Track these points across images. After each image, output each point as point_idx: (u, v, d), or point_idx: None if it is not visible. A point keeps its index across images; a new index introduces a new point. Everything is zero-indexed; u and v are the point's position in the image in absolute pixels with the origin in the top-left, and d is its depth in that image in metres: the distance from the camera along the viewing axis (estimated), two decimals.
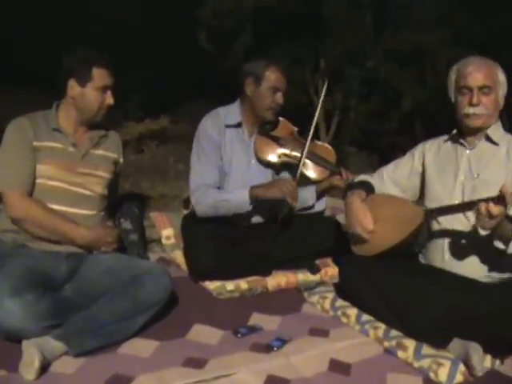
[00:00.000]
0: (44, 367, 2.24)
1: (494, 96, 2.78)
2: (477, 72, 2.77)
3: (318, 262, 3.50)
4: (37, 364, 2.18)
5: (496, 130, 2.85)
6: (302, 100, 8.27)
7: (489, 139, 2.84)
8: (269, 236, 3.34)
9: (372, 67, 8.34)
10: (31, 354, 2.20)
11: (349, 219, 3.04)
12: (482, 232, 2.56)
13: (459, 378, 2.38)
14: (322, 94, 3.63)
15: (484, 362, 2.45)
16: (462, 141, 2.90)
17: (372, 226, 2.95)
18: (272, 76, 3.34)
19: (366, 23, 8.40)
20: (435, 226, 2.90)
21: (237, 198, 3.29)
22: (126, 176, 5.94)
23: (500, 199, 2.37)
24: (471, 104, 2.76)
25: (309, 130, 3.39)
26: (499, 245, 2.59)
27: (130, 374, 2.25)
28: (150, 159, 7.53)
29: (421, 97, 7.82)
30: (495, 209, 2.37)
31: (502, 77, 2.81)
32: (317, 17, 8.25)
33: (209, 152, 3.39)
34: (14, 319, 2.32)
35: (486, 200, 2.42)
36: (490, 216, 2.40)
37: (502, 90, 2.82)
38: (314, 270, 3.41)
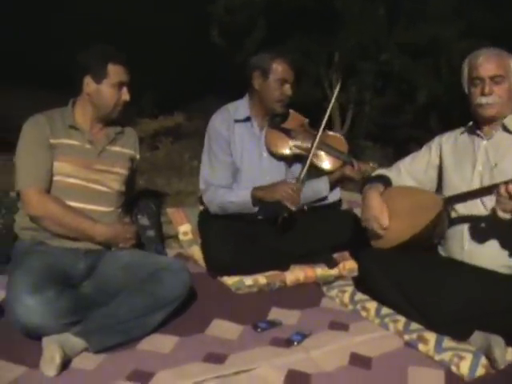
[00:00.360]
0: (64, 364, 2.24)
1: (506, 85, 2.77)
2: (487, 62, 2.77)
3: (335, 255, 3.48)
4: (58, 360, 2.18)
5: None
6: (316, 95, 8.24)
7: (506, 129, 2.82)
8: (278, 230, 3.32)
9: (386, 61, 8.30)
10: (52, 351, 2.21)
11: (365, 214, 3.03)
12: (503, 216, 2.53)
13: (481, 370, 2.36)
14: (336, 91, 3.59)
15: (506, 355, 2.43)
16: (478, 132, 2.89)
17: (387, 222, 2.94)
18: (279, 68, 3.33)
19: (379, 16, 8.35)
20: (453, 215, 2.88)
21: (240, 200, 3.30)
22: (141, 173, 5.95)
23: None
24: (483, 94, 2.76)
25: (321, 122, 3.37)
26: None
27: (151, 370, 2.25)
28: (165, 156, 7.54)
29: (436, 90, 7.77)
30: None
31: None
32: (330, 10, 8.22)
33: (218, 151, 3.40)
34: (34, 316, 2.32)
35: (506, 182, 2.41)
36: (511, 197, 2.38)
37: None
38: (332, 263, 3.39)
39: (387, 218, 2.94)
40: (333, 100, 3.48)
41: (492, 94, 2.76)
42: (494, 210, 2.52)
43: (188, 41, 11.09)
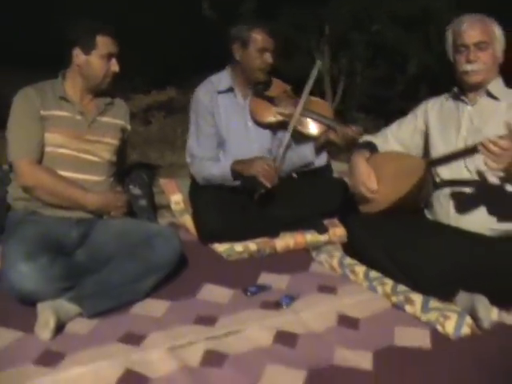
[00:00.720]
0: (59, 328, 2.30)
1: (490, 51, 2.79)
2: (471, 29, 2.78)
3: (325, 222, 3.53)
4: (52, 324, 2.24)
5: (496, 85, 2.86)
6: (308, 67, 8.24)
7: (490, 94, 2.85)
8: (257, 205, 3.37)
9: (377, 31, 8.29)
10: (46, 316, 2.27)
11: (353, 180, 3.08)
12: (491, 179, 2.57)
13: (466, 330, 2.42)
14: (315, 70, 3.53)
15: (491, 315, 2.49)
16: (463, 97, 2.92)
17: (375, 185, 2.99)
18: (258, 37, 3.36)
19: None
20: (438, 180, 2.93)
21: (221, 173, 3.37)
22: (134, 147, 5.99)
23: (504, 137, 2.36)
24: (468, 61, 2.78)
25: (304, 88, 3.44)
26: (510, 187, 2.61)
27: (143, 332, 2.32)
28: (158, 130, 7.56)
29: (426, 60, 7.79)
30: (504, 142, 2.34)
31: (498, 31, 2.81)
32: None
33: (202, 123, 3.46)
34: (28, 282, 2.38)
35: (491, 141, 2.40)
36: (502, 150, 2.35)
37: (500, 45, 2.82)
38: (322, 229, 3.44)
39: (375, 182, 2.99)
40: (316, 66, 3.49)
41: (477, 61, 2.78)
42: (480, 176, 2.58)
43: (181, 16, 11.04)
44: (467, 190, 2.81)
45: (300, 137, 3.53)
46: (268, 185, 3.20)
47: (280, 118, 3.48)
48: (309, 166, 3.55)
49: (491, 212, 2.76)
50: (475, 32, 2.78)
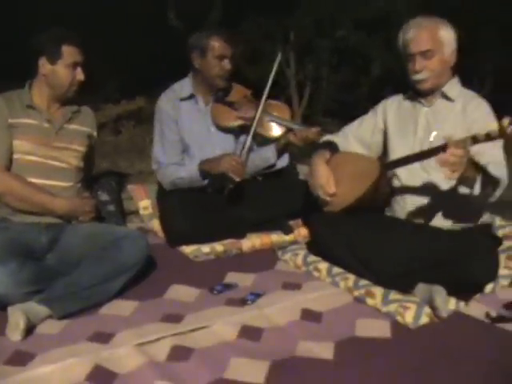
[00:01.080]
0: (30, 330, 2.36)
1: (438, 57, 2.84)
2: (417, 37, 2.84)
3: (291, 222, 3.61)
4: (22, 325, 2.31)
5: (452, 87, 2.94)
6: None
7: (445, 96, 2.94)
8: (227, 201, 3.45)
9: (342, 37, 8.46)
10: (16, 317, 2.32)
11: (312, 182, 3.14)
12: (444, 186, 2.68)
13: (425, 319, 2.52)
14: (274, 67, 3.59)
15: (449, 305, 2.61)
16: (420, 99, 3.01)
17: (333, 189, 3.06)
18: (215, 45, 3.43)
19: None
20: (396, 183, 3.03)
21: (189, 174, 3.45)
22: (105, 156, 6.04)
23: (444, 148, 2.46)
24: (415, 71, 2.85)
25: (263, 93, 3.52)
26: (464, 190, 2.66)
27: (112, 331, 2.38)
28: (128, 139, 7.61)
29: (389, 62, 7.98)
30: (458, 151, 2.41)
31: (446, 35, 2.85)
32: None
33: (166, 130, 3.55)
34: None
35: (437, 149, 2.54)
36: (456, 158, 2.43)
37: (449, 48, 2.87)
38: (287, 230, 3.53)
39: (333, 185, 3.06)
40: (274, 68, 3.55)
41: (423, 70, 2.85)
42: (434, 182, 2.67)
43: (149, 26, 11.12)
44: (423, 195, 2.92)
45: (261, 139, 3.62)
46: (237, 178, 3.28)
47: (241, 122, 3.56)
48: (271, 167, 3.63)
49: (447, 214, 2.88)
50: (420, 41, 2.83)
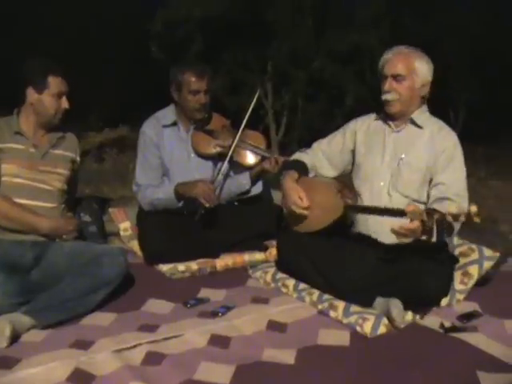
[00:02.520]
0: (15, 338, 2.55)
1: (407, 83, 3.02)
2: (392, 61, 3.04)
3: (266, 242, 3.81)
4: (7, 333, 2.50)
5: (421, 115, 3.11)
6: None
7: (414, 123, 3.11)
8: (198, 224, 3.60)
9: (317, 68, 8.72)
10: (2, 325, 2.52)
11: (284, 199, 3.30)
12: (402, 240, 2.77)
13: (382, 329, 2.75)
14: (253, 100, 3.79)
15: (406, 317, 2.84)
16: (389, 122, 3.16)
17: (306, 204, 3.18)
18: (189, 80, 3.62)
19: (308, 26, 8.77)
20: (359, 203, 3.20)
21: (166, 195, 3.64)
22: (88, 182, 6.23)
23: (402, 214, 2.67)
24: (384, 90, 3.05)
25: (241, 123, 3.73)
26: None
27: (91, 339, 2.58)
28: (111, 166, 7.81)
29: (361, 93, 8.25)
30: (410, 225, 2.62)
31: (420, 66, 3.03)
32: (261, 23, 8.61)
33: (148, 154, 3.76)
34: None
35: (396, 212, 2.74)
36: (403, 235, 2.66)
37: (420, 78, 3.04)
38: (262, 248, 3.75)
39: (305, 200, 3.18)
40: (253, 102, 3.75)
41: (391, 92, 3.03)
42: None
43: (131, 57, 11.38)
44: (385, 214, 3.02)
45: (238, 167, 3.83)
46: (207, 205, 3.47)
47: (219, 149, 3.76)
48: (246, 193, 3.84)
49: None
50: (394, 64, 3.03)
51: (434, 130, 3.09)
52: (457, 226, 2.74)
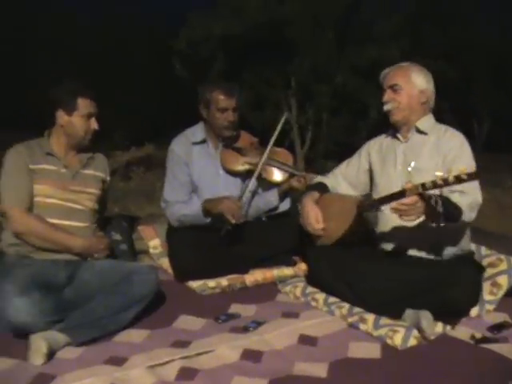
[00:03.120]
0: (50, 355, 2.60)
1: (404, 91, 3.17)
2: (389, 74, 3.23)
3: (295, 257, 3.84)
4: (44, 350, 2.55)
5: (425, 122, 3.23)
6: (277, 118, 8.67)
7: (419, 131, 3.23)
8: (223, 240, 3.62)
9: (340, 82, 8.76)
10: (39, 343, 2.57)
11: (302, 220, 3.43)
12: (407, 220, 2.86)
13: (413, 341, 2.75)
14: (281, 122, 3.90)
15: (435, 328, 2.84)
16: (398, 135, 3.30)
17: (321, 226, 3.34)
18: (217, 97, 3.68)
19: (329, 41, 8.82)
20: (375, 220, 3.31)
21: (193, 212, 3.69)
22: (116, 201, 6.31)
23: (402, 193, 2.77)
24: (383, 101, 3.21)
25: (269, 140, 3.80)
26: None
27: (125, 355, 2.63)
28: (138, 185, 7.89)
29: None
30: (406, 200, 2.73)
31: (416, 76, 3.19)
32: (283, 39, 8.68)
33: (177, 171, 3.81)
34: (21, 315, 2.69)
35: (397, 194, 2.83)
36: (407, 206, 2.74)
37: (417, 86, 3.18)
38: (291, 262, 3.77)
39: (321, 222, 3.34)
40: (278, 127, 3.84)
41: (391, 101, 3.19)
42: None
43: (156, 76, 11.50)
44: (399, 231, 3.17)
45: (266, 184, 3.89)
46: (233, 221, 3.49)
47: (247, 166, 3.82)
48: (274, 210, 3.90)
49: (425, 246, 3.12)
50: (391, 76, 3.22)
51: (440, 134, 3.20)
52: (466, 210, 2.84)
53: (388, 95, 3.21)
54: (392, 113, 3.21)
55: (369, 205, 3.22)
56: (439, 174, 2.67)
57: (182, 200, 3.78)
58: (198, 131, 3.87)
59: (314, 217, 3.35)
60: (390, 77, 3.22)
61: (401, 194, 2.79)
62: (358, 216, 3.26)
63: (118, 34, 13.40)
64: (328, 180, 3.56)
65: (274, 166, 3.85)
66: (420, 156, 3.18)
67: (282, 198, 3.88)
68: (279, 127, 3.83)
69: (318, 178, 3.63)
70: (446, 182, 2.64)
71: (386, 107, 3.21)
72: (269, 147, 3.77)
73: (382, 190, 3.27)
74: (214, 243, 3.65)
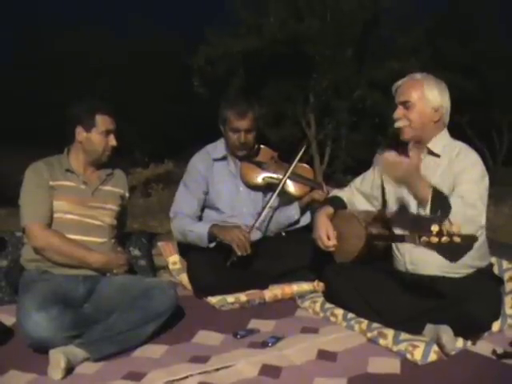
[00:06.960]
0: (69, 370, 2.61)
1: (416, 110, 3.02)
2: (401, 88, 3.09)
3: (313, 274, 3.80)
4: (63, 365, 2.55)
5: (437, 143, 3.10)
6: (296, 134, 8.73)
7: (430, 152, 3.11)
8: (229, 268, 3.58)
9: (358, 98, 8.75)
10: (57, 358, 2.58)
11: (314, 234, 3.36)
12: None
13: (433, 356, 2.72)
14: (299, 155, 3.85)
15: (456, 343, 2.80)
16: (411, 154, 3.16)
17: (331, 243, 3.26)
18: (230, 117, 3.70)
19: (348, 57, 8.83)
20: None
21: (198, 231, 3.65)
22: (135, 217, 6.34)
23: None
24: (394, 119, 3.08)
25: (294, 157, 3.79)
26: None
27: (144, 371, 2.62)
28: (157, 201, 7.92)
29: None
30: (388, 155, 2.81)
31: (429, 92, 3.02)
32: (302, 55, 8.70)
33: (192, 185, 3.83)
34: (40, 330, 2.70)
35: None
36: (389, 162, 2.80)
37: (431, 104, 3.02)
38: (310, 278, 3.75)
39: (332, 239, 3.26)
40: (303, 147, 3.85)
41: (401, 119, 3.06)
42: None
43: (174, 93, 11.57)
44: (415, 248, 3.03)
45: (286, 198, 3.88)
46: (239, 253, 3.48)
47: (268, 180, 3.83)
48: (295, 224, 3.91)
49: (442, 264, 3.00)
50: (403, 91, 3.07)
51: (452, 156, 3.07)
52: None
53: (399, 112, 3.07)
54: (402, 131, 3.09)
55: (379, 238, 3.22)
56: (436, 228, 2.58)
57: (192, 213, 3.79)
58: (218, 147, 3.89)
59: (325, 232, 3.27)
60: (402, 92, 3.08)
61: (400, 238, 2.86)
62: (365, 245, 3.19)
63: (140, 51, 13.53)
64: (344, 194, 3.51)
65: (295, 180, 3.85)
66: (432, 178, 3.00)
67: (303, 211, 3.88)
68: (301, 152, 3.84)
69: (335, 192, 3.61)
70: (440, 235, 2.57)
71: (396, 124, 3.08)
72: (291, 168, 3.77)
73: (392, 208, 3.26)
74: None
